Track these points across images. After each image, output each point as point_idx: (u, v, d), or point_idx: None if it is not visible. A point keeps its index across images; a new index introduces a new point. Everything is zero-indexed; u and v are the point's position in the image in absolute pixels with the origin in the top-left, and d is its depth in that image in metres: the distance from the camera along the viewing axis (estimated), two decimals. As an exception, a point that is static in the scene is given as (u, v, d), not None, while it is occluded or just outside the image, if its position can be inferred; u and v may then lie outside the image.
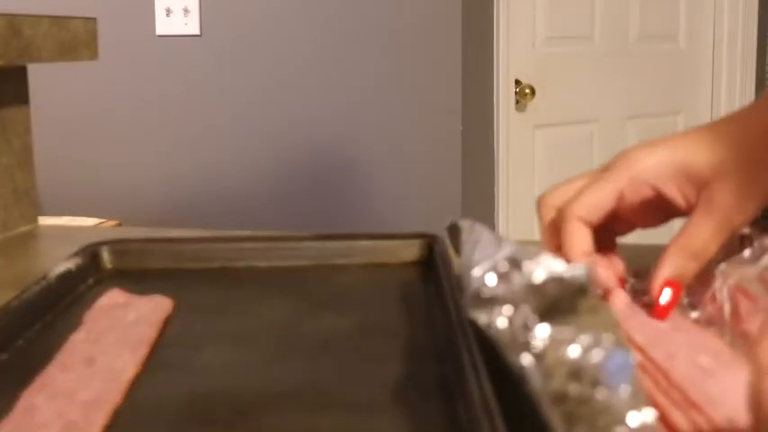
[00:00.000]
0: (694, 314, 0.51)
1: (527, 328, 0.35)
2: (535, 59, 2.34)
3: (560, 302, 0.36)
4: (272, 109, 2.22)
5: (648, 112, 2.55)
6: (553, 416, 0.33)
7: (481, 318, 0.37)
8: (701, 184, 0.52)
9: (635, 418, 0.32)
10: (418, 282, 0.62)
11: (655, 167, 0.53)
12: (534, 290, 0.36)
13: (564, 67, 2.40)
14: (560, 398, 0.33)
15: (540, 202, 0.57)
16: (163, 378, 0.46)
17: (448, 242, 0.53)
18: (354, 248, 0.67)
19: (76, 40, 0.89)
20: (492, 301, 0.37)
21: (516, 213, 2.34)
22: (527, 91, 2.31)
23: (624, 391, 0.32)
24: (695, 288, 0.51)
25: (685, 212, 0.53)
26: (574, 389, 0.33)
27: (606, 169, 0.55)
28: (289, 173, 2.23)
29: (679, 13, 2.60)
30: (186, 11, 2.23)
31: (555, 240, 0.55)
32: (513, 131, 2.33)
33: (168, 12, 2.24)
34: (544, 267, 0.37)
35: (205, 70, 2.26)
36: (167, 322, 0.54)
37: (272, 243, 0.68)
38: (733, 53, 2.65)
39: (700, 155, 0.52)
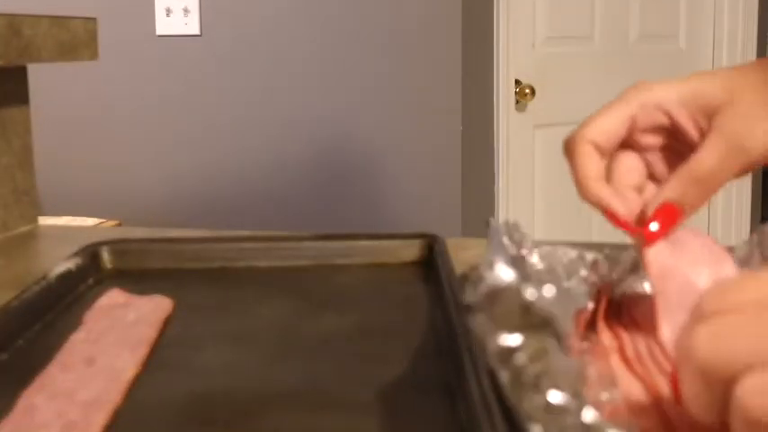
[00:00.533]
0: None
1: (488, 337, 0.36)
2: (535, 59, 2.34)
3: (510, 312, 0.37)
4: (272, 109, 2.22)
5: (648, 112, 2.55)
6: (522, 417, 0.34)
7: (471, 322, 0.38)
8: (713, 111, 0.50)
9: (580, 417, 0.33)
10: (418, 282, 0.62)
11: (666, 93, 0.52)
12: (488, 299, 0.37)
13: (564, 67, 2.40)
14: (523, 401, 0.34)
15: (564, 144, 0.55)
16: (163, 378, 0.46)
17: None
18: (354, 248, 0.67)
19: (76, 40, 0.89)
20: (474, 308, 0.38)
21: (516, 213, 2.34)
22: (527, 91, 2.31)
23: (571, 394, 0.34)
24: None
25: (690, 136, 0.52)
26: (532, 395, 0.34)
27: (616, 99, 0.54)
28: (289, 173, 2.23)
29: (679, 13, 2.60)
30: (186, 11, 2.23)
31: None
32: (513, 131, 2.33)
33: (168, 12, 2.24)
34: (491, 278, 0.37)
35: (205, 70, 2.26)
36: (167, 322, 0.54)
37: (272, 243, 0.68)
38: (733, 53, 2.65)
39: (712, 83, 0.51)
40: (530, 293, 0.36)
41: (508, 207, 2.34)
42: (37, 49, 0.83)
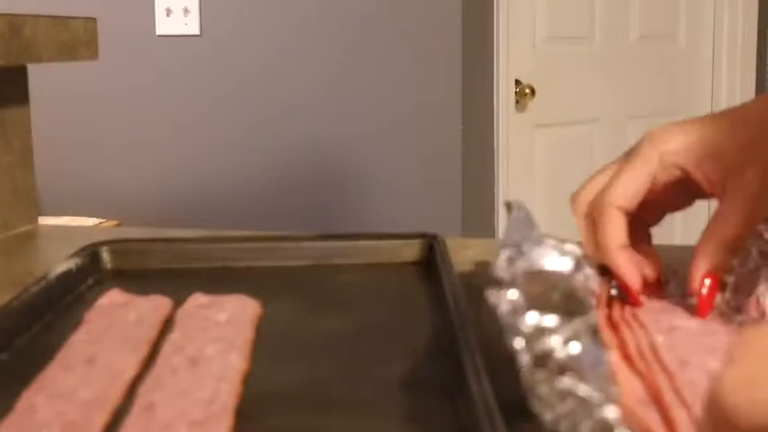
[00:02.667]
0: (739, 318, 0.51)
1: (517, 314, 0.36)
2: (535, 59, 2.34)
3: (550, 294, 0.36)
4: (272, 109, 2.22)
5: (648, 112, 2.55)
6: (535, 401, 0.34)
7: (491, 297, 0.38)
8: (727, 168, 0.51)
9: (601, 413, 0.33)
10: (418, 282, 0.62)
11: (684, 149, 0.52)
12: (528, 277, 0.37)
13: (564, 67, 2.40)
14: (539, 383, 0.34)
15: (573, 200, 0.57)
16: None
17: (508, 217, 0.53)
18: (354, 248, 0.67)
19: (76, 40, 0.89)
20: (499, 284, 0.38)
21: (516, 213, 2.34)
22: (527, 91, 2.31)
23: (595, 387, 0.33)
24: (739, 293, 0.51)
25: (708, 195, 0.53)
26: (551, 377, 0.34)
27: (633, 154, 0.54)
28: (289, 173, 2.23)
29: (679, 13, 2.60)
30: (186, 11, 2.23)
31: (594, 236, 0.54)
32: (513, 131, 2.33)
33: (168, 12, 2.24)
34: (537, 258, 0.37)
35: (205, 70, 2.26)
36: (167, 322, 0.54)
37: (272, 243, 0.68)
38: (733, 53, 2.65)
39: (727, 137, 0.51)
40: (578, 279, 0.36)
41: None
42: (37, 49, 0.83)
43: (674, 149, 0.53)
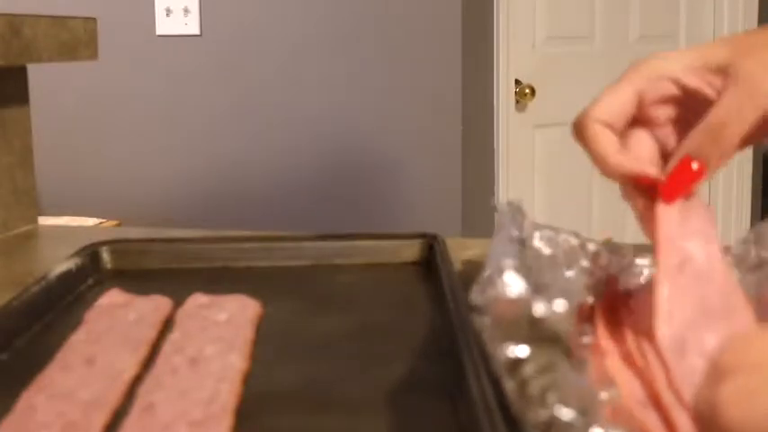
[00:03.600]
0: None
1: (494, 343, 0.36)
2: (535, 59, 2.34)
3: (519, 323, 0.36)
4: (272, 109, 2.22)
5: (648, 112, 2.55)
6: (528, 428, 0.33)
7: (475, 320, 0.37)
8: (725, 68, 0.48)
9: None
10: (418, 282, 0.62)
11: (672, 63, 0.50)
12: (496, 306, 0.37)
13: (564, 67, 2.40)
14: (528, 413, 0.33)
15: (573, 127, 0.53)
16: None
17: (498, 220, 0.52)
18: (354, 248, 0.67)
19: (76, 40, 0.89)
20: (480, 309, 0.38)
21: (516, 213, 2.34)
22: (527, 91, 2.31)
23: (579, 410, 0.32)
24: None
25: (706, 94, 0.49)
26: (538, 407, 0.33)
27: (620, 78, 0.52)
28: (288, 173, 2.23)
29: (679, 13, 2.60)
30: (186, 11, 2.23)
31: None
32: (513, 131, 2.33)
33: (168, 12, 2.24)
34: (501, 286, 0.37)
35: (205, 70, 2.26)
36: (167, 322, 0.54)
37: (272, 243, 0.68)
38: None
39: (720, 46, 0.49)
40: (539, 309, 0.36)
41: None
42: (37, 49, 0.83)
43: (662, 65, 0.50)
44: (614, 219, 2.57)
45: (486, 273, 0.39)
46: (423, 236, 0.67)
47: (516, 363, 0.35)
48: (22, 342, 0.52)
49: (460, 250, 0.69)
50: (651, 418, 0.39)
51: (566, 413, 0.32)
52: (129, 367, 0.46)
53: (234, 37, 2.22)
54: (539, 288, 0.37)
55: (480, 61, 2.21)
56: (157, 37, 2.26)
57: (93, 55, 0.92)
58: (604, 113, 0.50)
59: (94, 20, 0.92)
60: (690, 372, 0.41)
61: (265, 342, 0.51)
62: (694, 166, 0.47)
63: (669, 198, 0.47)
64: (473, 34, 2.16)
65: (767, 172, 2.93)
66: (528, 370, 0.34)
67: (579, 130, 0.51)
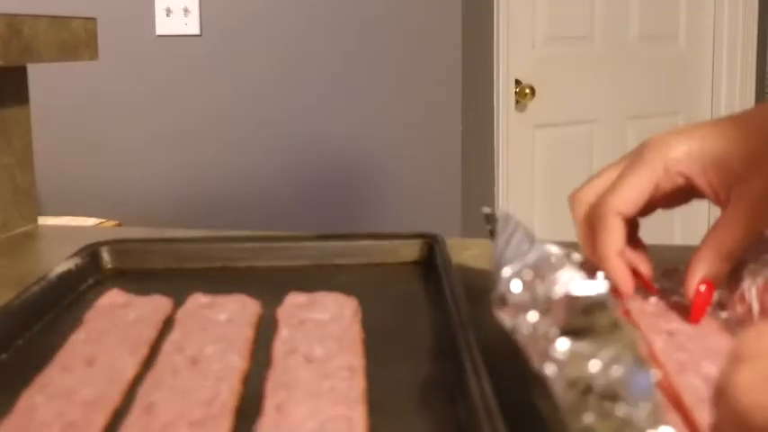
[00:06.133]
0: (723, 314, 0.50)
1: (548, 340, 0.35)
2: (535, 59, 2.34)
3: (579, 317, 0.35)
4: (272, 109, 2.22)
5: (648, 113, 2.55)
6: (574, 427, 0.32)
7: (506, 321, 0.37)
8: (730, 178, 0.51)
9: None
10: (418, 282, 0.62)
11: (688, 157, 0.52)
12: (554, 304, 0.36)
13: (564, 67, 2.40)
14: (581, 410, 0.33)
15: (572, 199, 0.56)
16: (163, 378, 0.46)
17: (486, 227, 0.52)
18: (354, 248, 0.67)
19: (76, 40, 0.89)
20: (516, 307, 0.37)
21: (516, 213, 2.34)
22: (527, 91, 2.31)
23: (643, 408, 0.32)
24: (724, 289, 0.51)
25: (708, 198, 0.53)
26: (594, 403, 0.33)
27: (637, 161, 0.53)
28: (288, 173, 2.23)
29: (679, 13, 2.60)
30: (186, 11, 2.23)
31: (591, 238, 0.54)
32: (513, 131, 2.33)
33: (168, 12, 2.24)
34: (563, 284, 0.36)
35: (205, 70, 2.26)
36: (167, 322, 0.54)
37: (272, 243, 0.68)
38: (733, 53, 2.65)
39: (732, 146, 0.51)
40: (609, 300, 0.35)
41: (508, 207, 2.34)
42: (37, 49, 0.83)
43: (679, 158, 0.52)
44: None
45: (516, 266, 0.38)
46: (423, 236, 0.67)
47: (577, 358, 0.34)
48: (22, 342, 0.52)
49: (460, 250, 0.69)
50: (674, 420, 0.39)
51: (627, 411, 0.32)
52: (129, 367, 0.46)
53: (234, 37, 2.22)
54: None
55: (480, 61, 2.21)
56: (157, 37, 2.26)
57: (94, 55, 0.92)
58: (623, 205, 0.53)
59: (94, 20, 0.92)
60: (690, 385, 0.41)
61: (266, 342, 0.51)
62: (704, 288, 0.51)
63: (699, 317, 0.51)
64: (473, 34, 2.16)
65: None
66: (591, 367, 0.33)
67: (596, 218, 0.54)
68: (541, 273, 0.37)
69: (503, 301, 0.37)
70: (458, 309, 0.50)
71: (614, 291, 0.52)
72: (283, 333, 0.50)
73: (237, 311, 0.54)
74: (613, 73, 2.48)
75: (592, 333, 0.35)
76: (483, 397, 0.38)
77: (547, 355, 0.35)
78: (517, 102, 2.32)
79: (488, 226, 0.52)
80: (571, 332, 0.35)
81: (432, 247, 0.65)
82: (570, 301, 0.36)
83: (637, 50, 2.52)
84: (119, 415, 0.41)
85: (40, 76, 1.14)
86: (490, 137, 2.29)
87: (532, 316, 0.36)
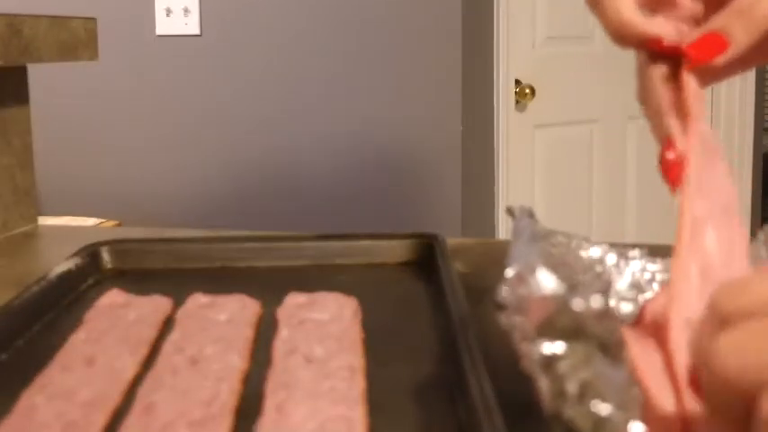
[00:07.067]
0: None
1: (528, 340, 0.35)
2: (535, 59, 2.34)
3: (555, 319, 0.36)
4: (272, 109, 2.22)
5: (648, 113, 2.55)
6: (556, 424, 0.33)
7: (503, 321, 0.37)
8: None
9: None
10: (418, 282, 0.62)
11: None
12: (531, 303, 0.36)
13: (564, 67, 2.40)
14: (560, 409, 0.33)
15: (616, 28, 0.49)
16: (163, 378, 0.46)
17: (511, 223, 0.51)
18: (354, 248, 0.67)
19: (76, 40, 0.89)
20: (505, 307, 0.37)
21: (516, 213, 2.34)
22: (527, 91, 2.31)
23: (617, 405, 0.32)
24: None
25: None
26: (576, 404, 0.33)
27: None
28: (288, 173, 2.23)
29: (679, 13, 2.59)
30: (186, 11, 2.23)
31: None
32: (513, 131, 2.33)
33: (168, 12, 2.24)
34: (536, 285, 0.36)
35: (205, 70, 2.26)
36: (167, 322, 0.54)
37: (272, 243, 0.68)
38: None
39: None
40: (576, 304, 0.36)
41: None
42: (37, 49, 0.83)
43: None
44: (614, 219, 2.58)
45: (514, 271, 0.38)
46: (423, 236, 0.67)
47: (552, 359, 0.34)
48: (22, 342, 0.52)
49: (460, 250, 0.69)
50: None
51: (604, 408, 0.32)
52: (129, 367, 0.46)
53: (234, 37, 2.22)
54: (572, 286, 0.37)
55: (480, 61, 2.21)
56: (157, 37, 2.26)
57: (94, 55, 0.92)
58: None
59: (94, 20, 0.92)
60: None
61: (266, 342, 0.51)
62: (720, 38, 0.44)
63: (696, 61, 0.44)
64: (473, 34, 2.16)
65: (767, 172, 2.93)
66: (564, 366, 0.34)
67: None
68: (522, 276, 0.37)
69: (502, 303, 0.38)
70: (458, 309, 0.50)
71: (658, 46, 0.45)
72: (283, 333, 0.50)
73: (237, 311, 0.54)
74: (613, 73, 2.48)
75: (562, 333, 0.35)
76: (483, 397, 0.38)
77: (531, 358, 0.35)
78: (517, 102, 2.32)
79: (512, 222, 0.52)
80: (545, 332, 0.35)
81: (432, 247, 0.65)
82: (540, 301, 0.36)
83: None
84: (119, 415, 0.41)
85: (40, 76, 1.14)
86: (490, 137, 2.29)
87: (520, 320, 0.36)
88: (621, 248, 0.53)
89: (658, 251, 0.56)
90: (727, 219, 0.43)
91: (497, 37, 2.24)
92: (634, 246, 0.54)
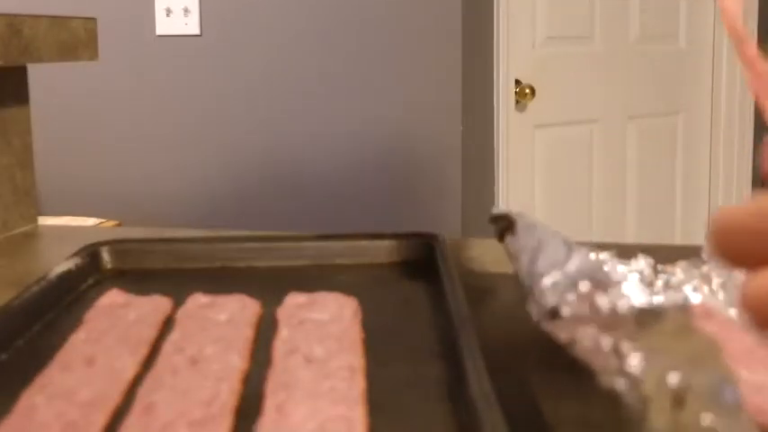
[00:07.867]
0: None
1: (619, 354, 0.33)
2: (535, 59, 2.34)
3: (648, 326, 0.34)
4: (272, 109, 2.22)
5: (648, 112, 2.55)
6: None
7: (561, 335, 0.35)
8: None
9: None
10: (418, 282, 0.62)
11: None
12: (621, 317, 0.34)
13: (564, 67, 2.40)
14: (665, 424, 0.31)
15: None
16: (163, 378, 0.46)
17: (493, 229, 0.51)
18: (354, 248, 0.67)
19: (76, 40, 0.89)
20: (574, 320, 0.35)
21: (516, 213, 2.34)
22: (527, 91, 2.31)
23: (733, 419, 0.30)
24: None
25: None
26: (680, 416, 0.31)
27: None
28: (288, 172, 2.23)
29: (679, 13, 2.60)
30: (186, 11, 2.23)
31: None
32: (513, 131, 2.33)
33: (168, 12, 2.24)
34: (627, 296, 0.34)
35: (205, 70, 2.26)
36: (167, 322, 0.54)
37: (272, 243, 0.68)
38: (733, 53, 2.65)
39: None
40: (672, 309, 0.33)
41: (508, 207, 2.34)
42: (37, 49, 0.83)
43: None
44: (614, 219, 2.57)
45: (557, 274, 0.36)
46: (423, 236, 0.67)
47: (653, 371, 0.31)
48: (22, 342, 0.52)
49: (460, 250, 0.69)
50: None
51: (710, 419, 0.30)
52: (129, 367, 0.46)
53: (234, 37, 2.22)
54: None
55: (480, 61, 2.21)
56: (157, 37, 2.26)
57: (94, 55, 0.92)
58: None
59: (94, 20, 0.92)
60: None
61: (266, 342, 0.51)
62: None
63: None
64: (473, 34, 2.16)
65: None
66: (671, 378, 0.31)
67: None
68: (603, 284, 0.35)
69: (554, 313, 0.36)
70: (458, 309, 0.50)
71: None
72: (283, 333, 0.50)
73: (237, 311, 0.54)
74: (613, 73, 2.48)
75: (663, 340, 0.33)
76: (483, 397, 0.38)
77: (618, 371, 0.33)
78: (517, 102, 2.32)
79: (496, 226, 0.51)
80: (641, 340, 0.33)
81: (432, 247, 0.65)
82: (638, 313, 0.34)
83: (637, 50, 2.52)
84: (119, 415, 0.41)
85: (40, 76, 1.14)
86: (490, 137, 2.28)
87: (593, 331, 0.35)
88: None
89: (658, 251, 0.56)
90: None
91: (497, 37, 2.24)
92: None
